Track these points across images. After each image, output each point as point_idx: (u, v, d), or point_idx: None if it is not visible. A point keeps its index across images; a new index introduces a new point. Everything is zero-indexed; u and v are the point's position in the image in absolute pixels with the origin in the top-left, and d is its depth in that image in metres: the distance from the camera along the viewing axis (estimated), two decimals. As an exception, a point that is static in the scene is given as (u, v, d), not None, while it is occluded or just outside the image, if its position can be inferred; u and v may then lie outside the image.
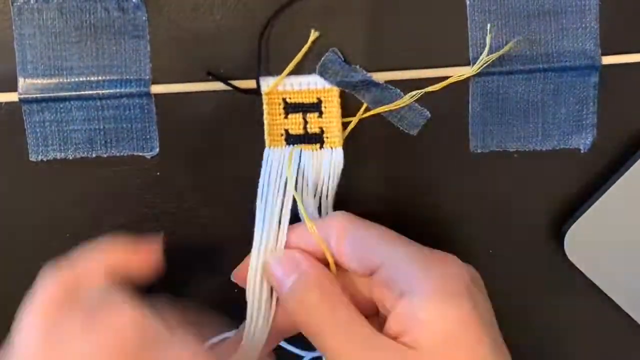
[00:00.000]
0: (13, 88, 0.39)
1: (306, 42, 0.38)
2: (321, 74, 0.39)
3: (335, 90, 0.39)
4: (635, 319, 0.40)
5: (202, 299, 0.41)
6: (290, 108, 0.39)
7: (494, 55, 0.38)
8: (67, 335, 0.31)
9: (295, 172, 0.38)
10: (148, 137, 0.40)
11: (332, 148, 0.39)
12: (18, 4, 0.39)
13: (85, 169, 0.40)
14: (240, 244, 0.40)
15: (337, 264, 0.35)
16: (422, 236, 0.41)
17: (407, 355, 0.31)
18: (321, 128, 0.39)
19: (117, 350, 0.30)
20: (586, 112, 0.40)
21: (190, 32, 0.39)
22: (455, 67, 0.39)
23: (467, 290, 0.32)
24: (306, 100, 0.39)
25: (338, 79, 0.39)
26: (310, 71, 0.39)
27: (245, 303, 0.37)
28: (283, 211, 0.37)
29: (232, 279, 0.38)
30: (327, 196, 0.39)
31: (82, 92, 0.39)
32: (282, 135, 0.39)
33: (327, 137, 0.39)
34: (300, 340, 0.37)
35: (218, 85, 0.39)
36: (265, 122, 0.39)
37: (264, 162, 0.39)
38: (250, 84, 0.39)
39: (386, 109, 0.39)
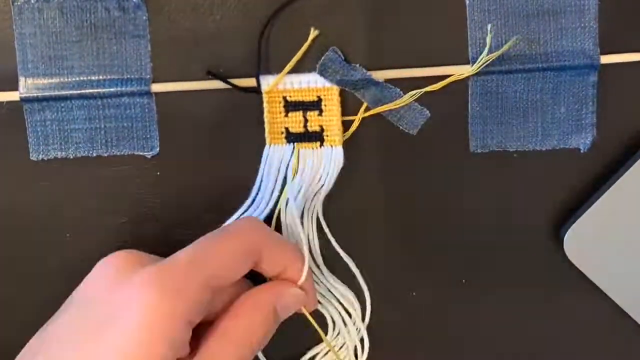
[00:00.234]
0: (14, 87, 0.39)
1: (306, 40, 0.39)
2: (321, 73, 0.39)
3: (335, 89, 0.39)
4: (635, 319, 0.40)
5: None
6: (291, 106, 0.39)
7: (494, 55, 0.38)
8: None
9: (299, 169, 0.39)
10: (148, 136, 0.40)
11: (332, 146, 0.39)
12: (19, 3, 0.39)
13: (85, 169, 0.40)
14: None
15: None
16: (422, 236, 0.41)
17: None
18: (321, 126, 0.39)
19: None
20: (585, 111, 0.40)
21: (190, 31, 0.39)
22: (454, 66, 0.39)
23: None
24: (306, 99, 0.39)
25: (338, 77, 0.39)
26: (310, 70, 0.39)
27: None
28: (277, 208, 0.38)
29: None
30: (317, 193, 0.39)
31: (83, 91, 0.39)
32: (282, 133, 0.39)
33: (327, 135, 0.39)
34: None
35: (218, 84, 0.39)
36: (266, 120, 0.39)
37: (263, 159, 0.39)
38: (250, 82, 0.39)
39: (386, 109, 0.39)
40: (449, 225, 0.41)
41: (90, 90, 0.39)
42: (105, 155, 0.40)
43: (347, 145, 0.39)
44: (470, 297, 0.41)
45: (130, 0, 0.39)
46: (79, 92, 0.39)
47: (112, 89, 0.39)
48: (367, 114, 0.39)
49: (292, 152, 0.39)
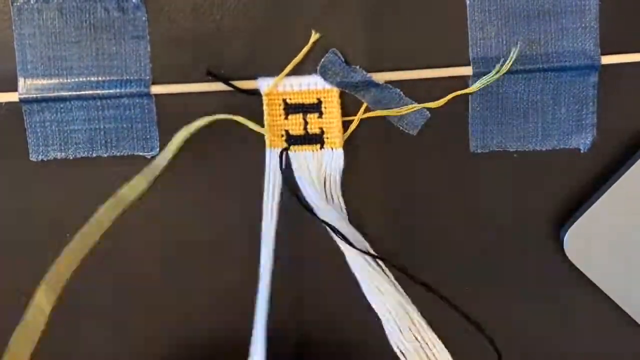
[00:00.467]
0: (13, 88, 0.39)
1: (306, 42, 0.38)
2: (321, 75, 0.39)
3: (335, 91, 0.39)
4: (635, 319, 0.40)
5: (204, 298, 0.41)
6: (291, 109, 0.39)
7: (495, 77, 0.38)
8: None
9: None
10: (148, 137, 0.40)
11: (332, 148, 0.39)
12: (18, 4, 0.39)
13: (85, 169, 0.40)
14: (241, 244, 0.40)
15: None
16: (421, 236, 0.41)
17: None
18: (321, 128, 0.39)
19: None
20: (586, 112, 0.40)
21: (190, 32, 0.39)
22: (455, 67, 0.39)
23: None
24: (306, 101, 0.39)
25: (338, 79, 0.39)
26: (310, 72, 0.39)
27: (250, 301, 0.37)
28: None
29: None
30: (332, 198, 0.39)
31: (83, 92, 0.39)
32: (282, 136, 0.39)
33: (327, 138, 0.39)
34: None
35: (218, 86, 0.39)
36: (266, 123, 0.39)
37: (266, 163, 0.39)
38: (250, 84, 0.39)
39: (385, 114, 0.39)
40: (449, 225, 0.41)
41: (90, 92, 0.39)
42: (105, 156, 0.40)
43: (347, 146, 0.39)
44: (470, 297, 0.41)
45: (130, 0, 0.39)
46: (78, 93, 0.39)
47: (111, 90, 0.39)
48: (365, 116, 0.39)
49: (282, 154, 0.39)
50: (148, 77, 0.39)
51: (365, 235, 0.40)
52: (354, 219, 0.40)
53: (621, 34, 0.39)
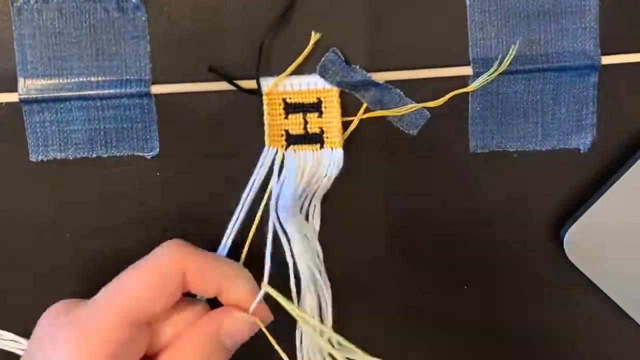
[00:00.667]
0: (13, 88, 0.39)
1: (306, 42, 0.38)
2: (321, 75, 0.39)
3: (335, 91, 0.39)
4: (635, 318, 0.40)
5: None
6: (291, 108, 0.39)
7: (494, 75, 0.38)
8: None
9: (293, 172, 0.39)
10: (148, 137, 0.40)
11: (332, 148, 0.39)
12: (18, 4, 0.39)
13: (85, 169, 0.40)
14: (241, 244, 0.40)
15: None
16: (421, 236, 0.41)
17: None
18: (321, 128, 0.39)
19: None
20: (586, 112, 0.40)
21: (190, 32, 0.39)
22: (455, 67, 0.39)
23: None
24: (306, 101, 0.39)
25: (338, 79, 0.39)
26: (310, 71, 0.39)
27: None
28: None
29: None
30: (313, 195, 0.39)
31: (82, 93, 0.39)
32: (282, 135, 0.39)
33: (327, 137, 0.39)
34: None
35: (218, 85, 0.39)
36: (266, 122, 0.39)
37: (260, 160, 0.39)
38: (250, 84, 0.39)
39: (384, 114, 0.39)
40: (449, 225, 0.41)
41: (90, 92, 0.39)
42: (105, 156, 0.40)
43: (347, 146, 0.39)
44: (470, 296, 0.41)
45: (130, 1, 0.39)
46: (78, 93, 0.39)
47: (111, 90, 0.39)
48: (365, 116, 0.39)
49: (276, 154, 0.39)
50: (148, 77, 0.39)
51: (364, 234, 0.40)
52: (354, 219, 0.40)
53: (621, 34, 0.39)
